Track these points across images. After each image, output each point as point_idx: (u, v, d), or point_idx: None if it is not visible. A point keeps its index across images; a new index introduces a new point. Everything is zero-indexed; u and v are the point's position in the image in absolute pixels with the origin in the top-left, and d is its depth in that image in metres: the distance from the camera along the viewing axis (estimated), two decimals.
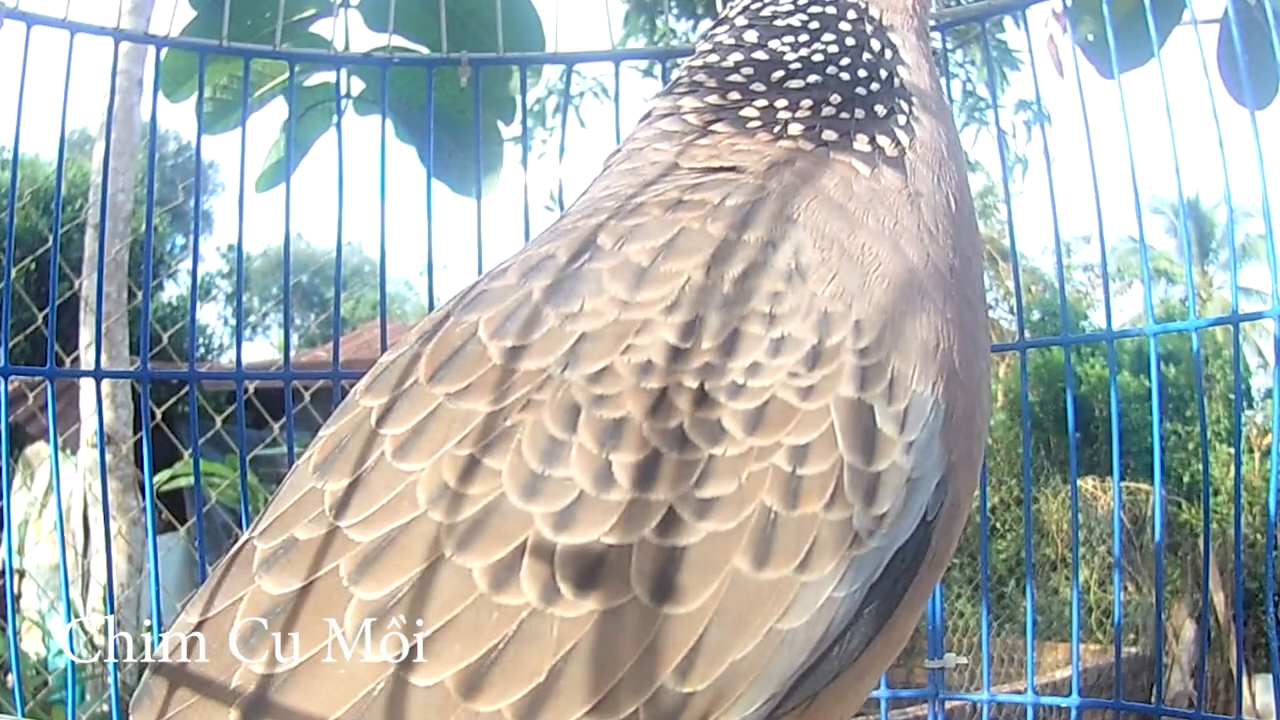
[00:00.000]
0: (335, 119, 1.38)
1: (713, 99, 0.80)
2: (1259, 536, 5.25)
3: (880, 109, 0.78)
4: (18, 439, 5.66)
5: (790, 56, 0.80)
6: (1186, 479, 7.56)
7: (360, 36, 1.39)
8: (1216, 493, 6.66)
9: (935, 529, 0.66)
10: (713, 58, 0.82)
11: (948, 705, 1.36)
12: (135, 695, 0.63)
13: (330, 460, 0.65)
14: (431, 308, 1.28)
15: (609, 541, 0.58)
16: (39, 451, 6.04)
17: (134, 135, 3.68)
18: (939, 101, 0.82)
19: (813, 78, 0.79)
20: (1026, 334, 1.51)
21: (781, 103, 0.78)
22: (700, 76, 0.82)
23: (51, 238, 1.33)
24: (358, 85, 1.43)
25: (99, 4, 1.40)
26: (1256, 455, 6.82)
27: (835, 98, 0.78)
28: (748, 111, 0.79)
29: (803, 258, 0.67)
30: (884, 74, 0.80)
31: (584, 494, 0.59)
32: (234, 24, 1.29)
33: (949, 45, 1.45)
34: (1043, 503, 7.49)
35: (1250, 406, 7.65)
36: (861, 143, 0.76)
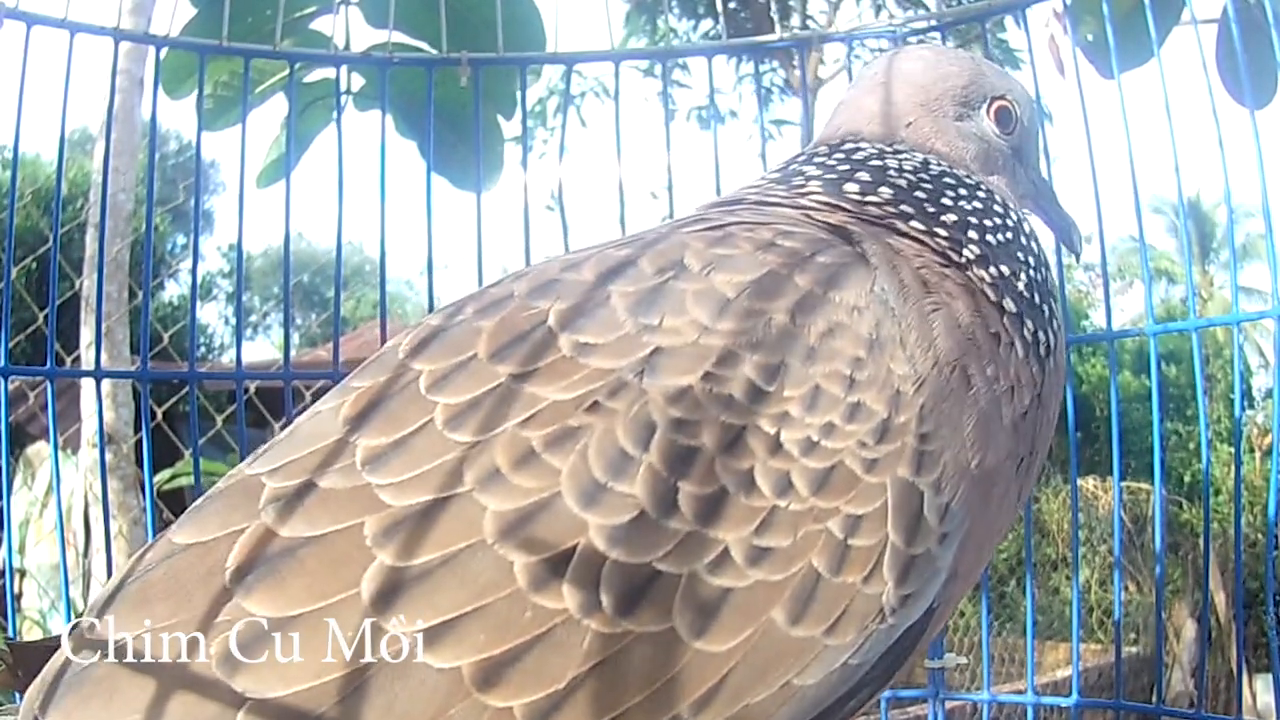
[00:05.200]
0: (335, 116, 1.38)
1: (872, 196, 0.80)
2: (1259, 536, 5.24)
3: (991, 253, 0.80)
4: (18, 439, 5.65)
5: (934, 203, 0.81)
6: (1187, 479, 7.56)
7: (360, 33, 1.40)
8: (1217, 492, 6.66)
9: (934, 616, 0.68)
10: (865, 176, 0.82)
11: (948, 705, 1.36)
12: (99, 603, 0.59)
13: (366, 415, 0.63)
14: (431, 308, 1.28)
15: (661, 568, 0.57)
16: (40, 451, 6.03)
17: (134, 135, 3.66)
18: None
19: (949, 217, 0.80)
20: None
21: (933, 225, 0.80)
22: (865, 175, 0.82)
23: (52, 237, 1.33)
24: (358, 81, 1.43)
25: (99, 4, 1.40)
26: (1257, 455, 6.82)
27: (967, 229, 0.80)
28: (910, 224, 0.79)
29: (883, 330, 0.67)
30: (1018, 225, 0.84)
31: (644, 514, 0.58)
32: (234, 22, 1.29)
33: (949, 46, 1.44)
34: (1043, 502, 7.49)
35: (1251, 406, 7.65)
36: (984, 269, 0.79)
